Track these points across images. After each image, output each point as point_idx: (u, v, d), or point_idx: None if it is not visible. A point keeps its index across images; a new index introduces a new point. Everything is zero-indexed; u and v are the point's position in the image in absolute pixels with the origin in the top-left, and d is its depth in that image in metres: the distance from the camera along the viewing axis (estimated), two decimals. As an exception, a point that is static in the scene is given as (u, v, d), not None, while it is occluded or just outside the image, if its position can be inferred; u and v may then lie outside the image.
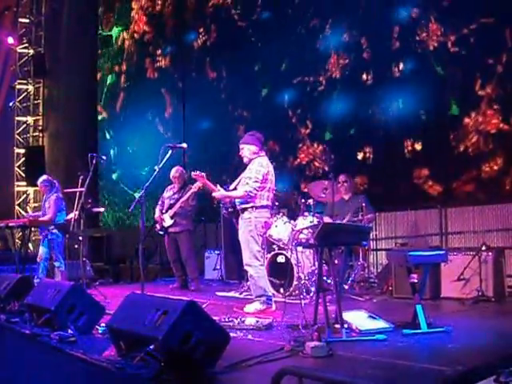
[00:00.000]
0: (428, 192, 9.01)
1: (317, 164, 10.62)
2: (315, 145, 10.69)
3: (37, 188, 16.09)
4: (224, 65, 12.76)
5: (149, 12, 15.13)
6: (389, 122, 9.58)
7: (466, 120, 8.56)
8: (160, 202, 9.52)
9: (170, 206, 9.21)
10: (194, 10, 13.74)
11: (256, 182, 6.56)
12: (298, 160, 10.96)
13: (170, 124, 14.12)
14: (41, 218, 9.25)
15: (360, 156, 9.92)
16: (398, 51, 9.51)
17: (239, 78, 12.26)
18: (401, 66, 9.43)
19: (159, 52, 14.70)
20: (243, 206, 6.63)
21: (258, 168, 6.64)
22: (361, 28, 10.06)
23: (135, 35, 15.49)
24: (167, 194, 9.44)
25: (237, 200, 6.70)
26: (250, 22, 12.28)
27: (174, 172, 9.31)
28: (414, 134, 9.21)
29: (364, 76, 9.98)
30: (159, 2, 14.75)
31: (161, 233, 9.39)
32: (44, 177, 9.63)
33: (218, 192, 6.85)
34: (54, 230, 9.03)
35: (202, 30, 13.42)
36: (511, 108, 8.12)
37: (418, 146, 9.15)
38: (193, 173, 6.90)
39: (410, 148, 9.24)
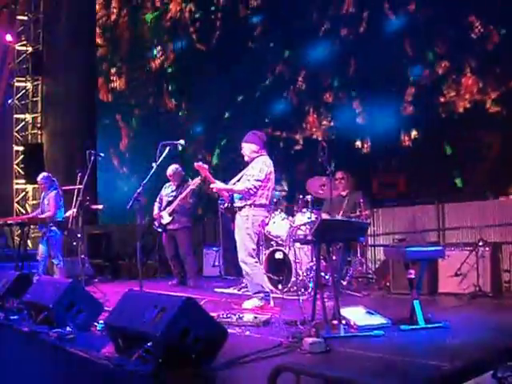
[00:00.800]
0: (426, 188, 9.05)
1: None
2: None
3: (36, 186, 16.12)
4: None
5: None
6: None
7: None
8: (158, 199, 9.53)
9: (169, 204, 9.22)
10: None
11: (258, 180, 6.56)
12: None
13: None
14: (41, 216, 9.27)
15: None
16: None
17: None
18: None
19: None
20: (242, 203, 6.64)
21: (262, 167, 6.64)
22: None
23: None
24: (165, 191, 9.45)
25: (236, 196, 6.70)
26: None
27: (170, 171, 9.32)
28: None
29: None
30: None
31: (159, 230, 9.40)
32: (44, 174, 9.65)
33: (217, 184, 6.85)
34: (53, 228, 9.05)
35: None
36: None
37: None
38: (196, 163, 6.88)
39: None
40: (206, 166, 6.88)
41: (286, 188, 10.40)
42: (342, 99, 10.28)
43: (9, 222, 10.09)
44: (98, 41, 16.20)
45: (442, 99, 8.84)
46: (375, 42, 9.63)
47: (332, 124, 10.42)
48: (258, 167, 6.64)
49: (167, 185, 9.50)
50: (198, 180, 8.79)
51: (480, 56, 8.39)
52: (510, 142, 8.05)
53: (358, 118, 9.99)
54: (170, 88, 13.89)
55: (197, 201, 9.34)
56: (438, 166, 8.83)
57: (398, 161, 9.46)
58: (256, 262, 6.62)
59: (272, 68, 11.45)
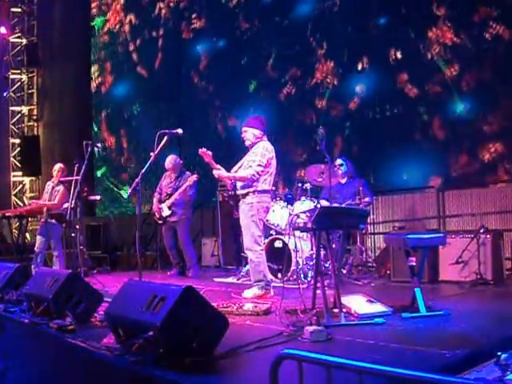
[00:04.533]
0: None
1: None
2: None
3: (33, 178, 16.12)
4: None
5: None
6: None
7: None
8: (158, 190, 9.50)
9: (168, 196, 9.19)
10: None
11: (260, 165, 6.52)
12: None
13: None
14: (48, 203, 9.26)
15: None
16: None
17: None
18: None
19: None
20: (245, 190, 6.59)
21: (263, 152, 6.59)
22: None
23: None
24: (165, 181, 9.43)
25: (238, 184, 6.66)
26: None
27: (168, 163, 9.30)
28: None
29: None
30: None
31: (160, 222, 9.39)
32: (61, 164, 9.60)
33: (220, 171, 6.80)
34: (52, 220, 9.03)
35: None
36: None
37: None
38: (200, 150, 6.82)
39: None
40: (209, 153, 6.82)
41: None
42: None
43: (7, 214, 10.07)
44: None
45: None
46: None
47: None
48: (259, 152, 6.58)
49: (167, 174, 9.46)
50: (194, 177, 8.79)
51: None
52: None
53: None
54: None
55: (196, 192, 9.30)
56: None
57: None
58: (262, 250, 6.59)
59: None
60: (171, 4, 13.93)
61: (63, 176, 9.36)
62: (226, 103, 12.34)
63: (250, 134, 6.75)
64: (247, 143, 6.80)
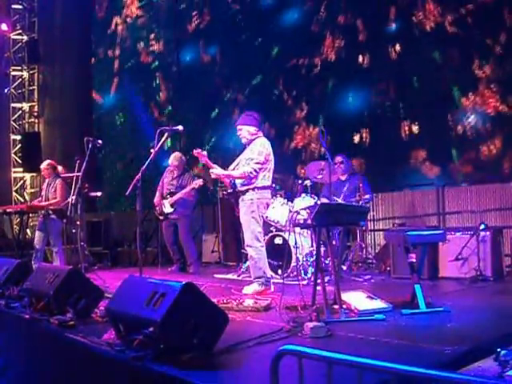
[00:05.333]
0: (425, 173, 9.04)
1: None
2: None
3: (34, 174, 16.12)
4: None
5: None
6: (385, 105, 9.59)
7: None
8: (160, 184, 9.49)
9: (170, 193, 9.18)
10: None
11: (257, 163, 6.52)
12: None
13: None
14: (48, 202, 9.26)
15: (357, 138, 9.95)
16: (394, 32, 9.46)
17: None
18: (397, 47, 9.41)
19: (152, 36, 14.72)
20: (245, 187, 6.59)
21: (260, 149, 6.59)
22: (357, 10, 10.01)
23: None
24: (166, 178, 9.42)
25: (238, 181, 6.66)
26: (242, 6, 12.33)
27: (174, 160, 9.27)
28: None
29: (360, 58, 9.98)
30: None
31: (161, 217, 9.39)
32: (48, 161, 9.63)
33: (217, 170, 6.80)
34: (52, 216, 9.03)
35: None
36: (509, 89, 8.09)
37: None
38: (195, 150, 6.82)
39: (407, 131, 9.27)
40: (204, 153, 6.83)
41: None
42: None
43: (8, 210, 10.08)
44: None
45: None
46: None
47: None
48: (257, 150, 6.59)
49: (169, 169, 9.45)
50: (200, 182, 8.76)
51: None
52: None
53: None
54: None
55: (198, 193, 9.34)
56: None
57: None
58: (262, 246, 6.59)
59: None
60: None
61: (55, 170, 9.38)
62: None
63: (244, 131, 6.75)
64: (243, 141, 6.81)
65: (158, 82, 14.36)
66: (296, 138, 10.97)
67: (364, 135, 9.88)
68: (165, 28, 14.24)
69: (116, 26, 15.68)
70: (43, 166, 9.56)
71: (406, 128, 9.30)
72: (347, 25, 10.16)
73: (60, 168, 9.65)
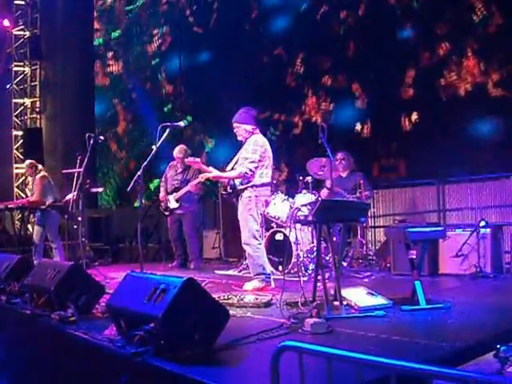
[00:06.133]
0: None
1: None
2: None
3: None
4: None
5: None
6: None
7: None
8: (163, 179, 9.49)
9: (175, 189, 9.17)
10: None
11: (252, 162, 6.50)
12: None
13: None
14: (30, 198, 9.37)
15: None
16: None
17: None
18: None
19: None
20: (243, 186, 6.59)
21: (253, 147, 6.56)
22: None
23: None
24: (170, 172, 9.41)
25: (237, 180, 6.66)
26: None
27: (178, 152, 9.25)
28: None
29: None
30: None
31: (166, 213, 9.39)
32: (29, 160, 9.73)
33: (213, 173, 6.82)
34: (49, 211, 9.05)
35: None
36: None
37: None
38: (186, 160, 6.85)
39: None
40: (197, 160, 6.85)
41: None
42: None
43: (9, 206, 10.09)
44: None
45: (443, 82, 8.82)
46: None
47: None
48: (251, 149, 6.57)
49: (173, 163, 9.44)
50: (206, 175, 8.75)
51: (482, 38, 8.33)
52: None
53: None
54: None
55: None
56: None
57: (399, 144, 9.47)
58: (259, 244, 6.59)
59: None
60: None
61: (36, 170, 9.45)
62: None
63: (241, 129, 6.73)
64: (239, 138, 6.80)
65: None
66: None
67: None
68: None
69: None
70: (25, 165, 9.83)
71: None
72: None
73: (40, 166, 9.71)
